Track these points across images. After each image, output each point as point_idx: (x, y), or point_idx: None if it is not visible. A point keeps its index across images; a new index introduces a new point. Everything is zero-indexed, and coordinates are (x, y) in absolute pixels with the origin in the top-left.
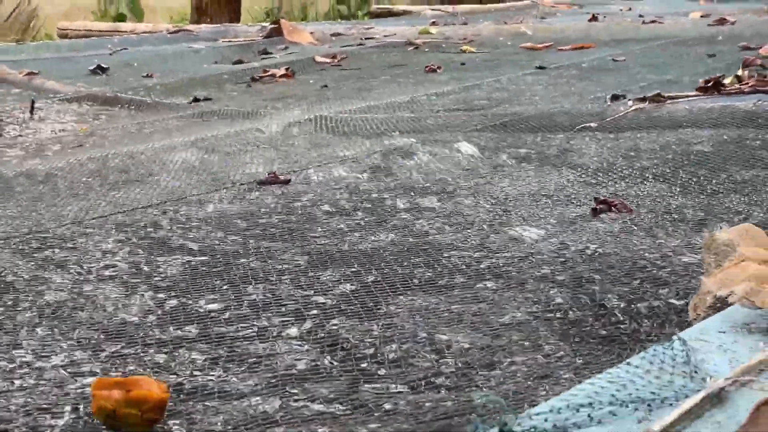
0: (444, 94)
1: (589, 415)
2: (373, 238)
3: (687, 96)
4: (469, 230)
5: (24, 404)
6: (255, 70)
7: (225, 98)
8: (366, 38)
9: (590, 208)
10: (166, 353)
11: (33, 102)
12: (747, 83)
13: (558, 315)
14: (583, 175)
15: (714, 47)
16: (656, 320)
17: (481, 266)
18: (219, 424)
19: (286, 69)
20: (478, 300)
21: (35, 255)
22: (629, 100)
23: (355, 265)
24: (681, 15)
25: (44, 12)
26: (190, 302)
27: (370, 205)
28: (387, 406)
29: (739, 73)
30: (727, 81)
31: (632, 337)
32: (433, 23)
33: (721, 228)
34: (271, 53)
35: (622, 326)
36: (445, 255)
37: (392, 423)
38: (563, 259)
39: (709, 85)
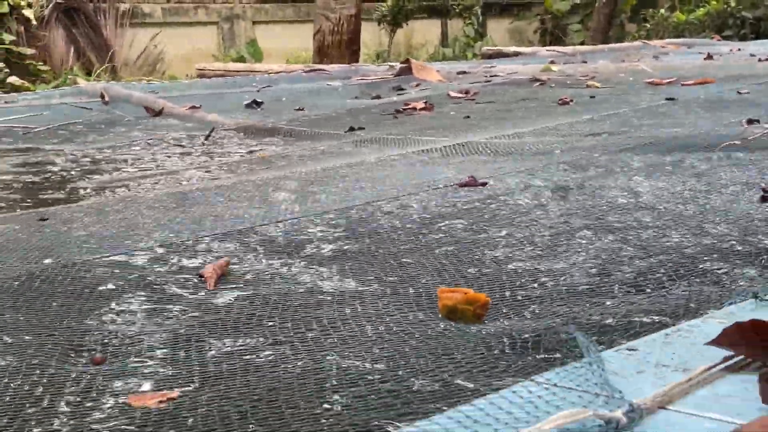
0: (584, 122)
1: None
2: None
3: None
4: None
5: None
6: (395, 104)
7: (376, 128)
8: (491, 75)
9: None
10: None
11: (212, 129)
12: None
13: None
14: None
15: None
16: None
17: None
18: None
19: (425, 102)
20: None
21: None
22: (765, 123)
23: None
24: None
25: (168, 55)
26: None
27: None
28: None
29: None
30: None
31: None
32: (552, 62)
33: None
34: (404, 89)
35: None
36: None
37: None
38: None
39: None
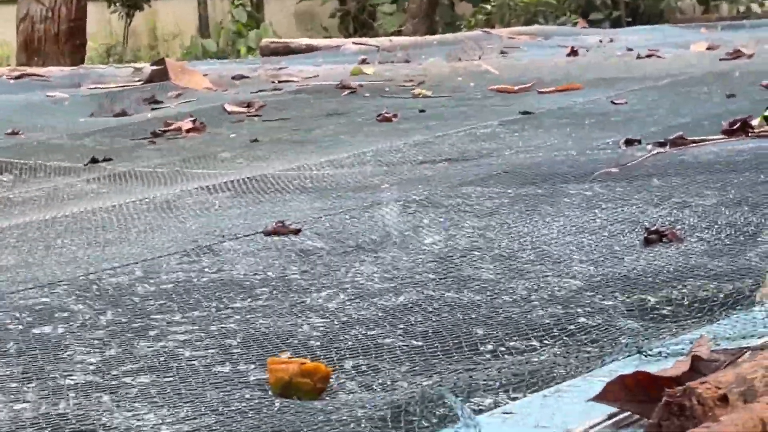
0: (414, 145)
1: None
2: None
3: (712, 140)
4: None
5: None
6: (151, 123)
7: (128, 158)
8: (280, 81)
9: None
10: None
11: None
12: None
13: None
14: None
15: (732, 86)
16: None
17: None
18: None
19: (193, 121)
20: None
21: None
22: (647, 144)
23: None
24: (680, 47)
25: None
26: None
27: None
28: None
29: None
30: (755, 122)
31: None
32: (364, 61)
33: None
34: (161, 102)
35: None
36: None
37: None
38: None
39: (736, 127)
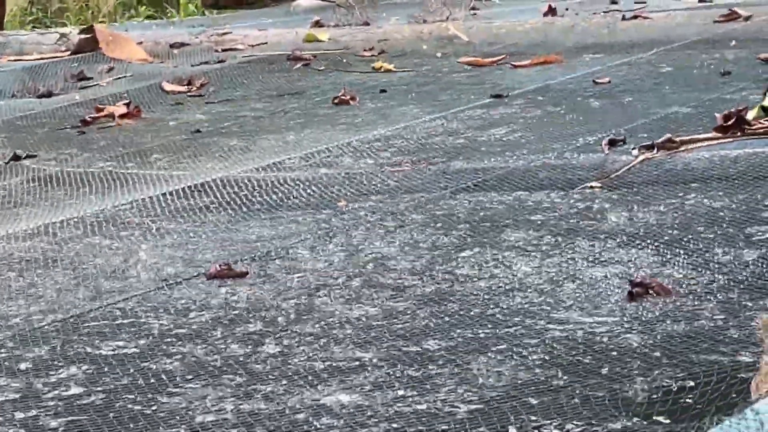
0: (373, 140)
1: None
2: None
3: (705, 140)
4: None
5: None
6: (79, 106)
7: (55, 154)
8: (224, 50)
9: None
10: None
11: None
12: None
13: None
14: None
15: (726, 58)
16: None
17: None
18: None
19: (127, 105)
20: None
21: None
22: (633, 147)
23: None
24: (670, 1)
25: None
26: None
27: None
28: None
29: (766, 102)
30: (751, 115)
31: None
32: (318, 23)
33: None
34: (90, 78)
35: None
36: None
37: None
38: None
39: (730, 123)
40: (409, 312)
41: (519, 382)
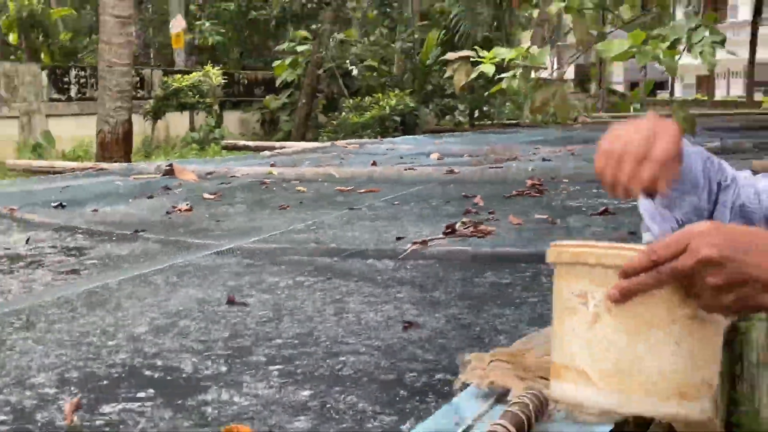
0: (299, 231)
1: None
2: None
3: (439, 238)
4: None
5: None
6: (165, 204)
7: (157, 230)
8: (231, 176)
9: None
10: None
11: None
12: (468, 228)
13: None
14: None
15: (449, 194)
16: None
17: None
18: None
19: (187, 204)
20: None
21: None
22: (409, 243)
23: None
24: (425, 155)
25: None
26: None
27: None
28: None
29: (464, 219)
30: (457, 226)
31: None
32: (273, 165)
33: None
34: (170, 189)
35: None
36: None
37: None
38: None
39: (449, 231)
40: None
41: None
